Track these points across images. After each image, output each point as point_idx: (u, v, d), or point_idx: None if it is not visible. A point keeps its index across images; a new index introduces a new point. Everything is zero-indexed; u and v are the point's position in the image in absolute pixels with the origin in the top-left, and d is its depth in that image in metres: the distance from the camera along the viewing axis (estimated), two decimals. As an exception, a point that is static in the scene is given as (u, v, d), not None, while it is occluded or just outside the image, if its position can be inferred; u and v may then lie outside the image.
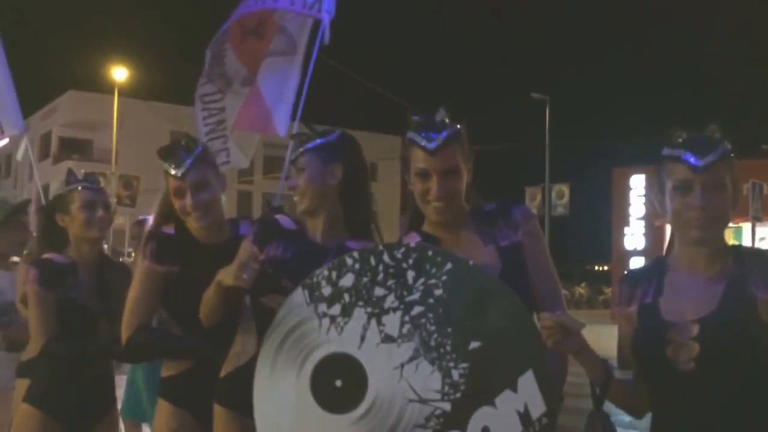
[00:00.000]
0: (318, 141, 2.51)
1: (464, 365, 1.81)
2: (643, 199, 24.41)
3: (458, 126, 2.15)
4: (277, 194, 3.42)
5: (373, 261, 1.92)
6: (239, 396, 2.22)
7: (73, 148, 38.12)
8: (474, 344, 1.81)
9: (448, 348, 1.82)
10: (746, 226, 17.61)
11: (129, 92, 32.51)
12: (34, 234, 3.44)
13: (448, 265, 1.87)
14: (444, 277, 1.86)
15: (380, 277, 1.90)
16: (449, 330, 1.83)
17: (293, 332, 1.96)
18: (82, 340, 2.86)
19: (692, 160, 1.90)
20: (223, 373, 2.46)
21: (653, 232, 23.47)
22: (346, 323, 1.91)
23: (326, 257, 2.37)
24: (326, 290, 1.94)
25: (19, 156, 5.41)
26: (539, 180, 26.65)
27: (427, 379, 1.82)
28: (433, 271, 1.87)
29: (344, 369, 1.89)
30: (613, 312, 2.11)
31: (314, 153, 2.50)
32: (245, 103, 4.00)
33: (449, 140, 2.10)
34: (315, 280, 1.97)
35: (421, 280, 1.87)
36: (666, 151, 1.97)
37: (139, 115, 34.53)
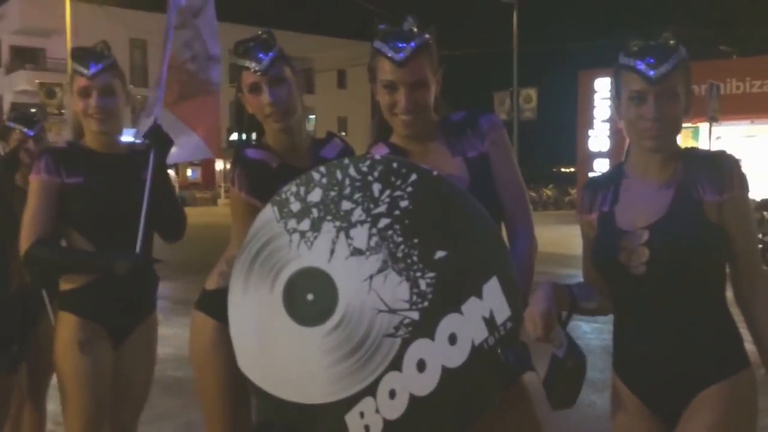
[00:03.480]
0: (279, 48, 2.41)
1: (431, 275, 1.84)
2: (608, 102, 24.49)
3: (427, 36, 2.07)
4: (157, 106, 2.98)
5: (339, 175, 1.91)
6: (224, 308, 2.25)
7: (25, 57, 36.78)
8: (440, 254, 1.84)
9: (415, 258, 1.84)
10: (704, 126, 17.81)
11: (83, -5, 31.23)
12: None
13: (413, 177, 1.87)
14: (409, 189, 1.86)
15: (347, 190, 1.90)
16: (416, 241, 1.85)
17: (265, 249, 1.97)
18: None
19: (646, 70, 1.92)
20: (212, 287, 2.46)
21: (617, 134, 23.68)
22: (315, 238, 1.92)
23: None
24: (295, 206, 1.94)
25: None
26: (507, 84, 26.49)
27: (396, 290, 1.85)
28: (399, 182, 1.87)
29: (315, 283, 1.91)
30: (578, 220, 2.16)
31: (286, 61, 2.41)
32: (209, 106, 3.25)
33: (418, 51, 2.04)
34: (284, 196, 1.96)
35: (387, 192, 1.87)
36: (622, 60, 1.98)
37: (94, 21, 33.27)
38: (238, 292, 2.02)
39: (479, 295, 1.82)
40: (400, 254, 1.85)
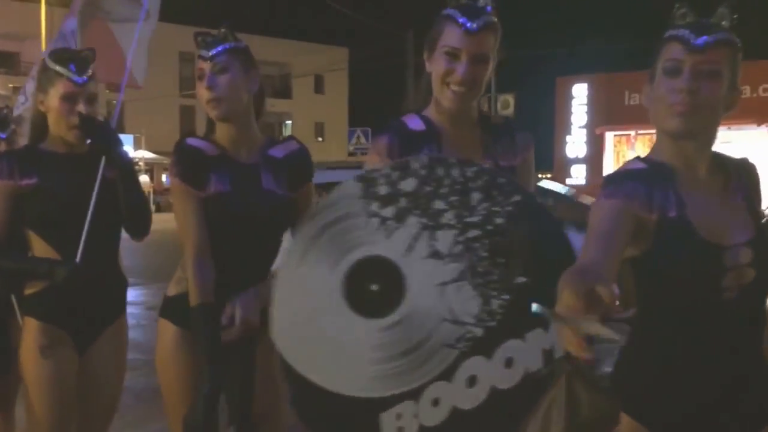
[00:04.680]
0: (237, 43, 2.40)
1: (506, 297, 1.80)
2: (585, 108, 24.74)
3: (498, 21, 2.11)
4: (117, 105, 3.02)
5: (440, 172, 1.83)
6: (185, 313, 2.26)
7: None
8: (520, 279, 1.80)
9: (495, 278, 1.80)
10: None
11: (57, 0, 30.82)
12: None
13: (516, 197, 1.82)
14: (509, 208, 1.81)
15: (444, 190, 1.81)
16: (500, 260, 1.80)
17: (338, 223, 1.85)
18: None
19: (688, 37, 1.69)
20: (173, 293, 2.44)
21: (594, 141, 23.92)
22: (396, 229, 1.82)
23: (258, 176, 2.37)
24: (383, 189, 1.83)
25: None
26: (485, 90, 26.59)
27: (466, 303, 1.80)
28: (500, 198, 1.81)
29: (383, 274, 1.82)
30: (598, 204, 1.72)
31: (239, 55, 2.39)
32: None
33: (489, 27, 2.08)
34: (373, 175, 1.86)
35: (485, 204, 1.81)
36: (665, 34, 1.75)
37: (68, 25, 32.79)
38: (293, 262, 1.89)
39: (546, 328, 1.79)
40: (480, 269, 1.80)
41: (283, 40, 41.59)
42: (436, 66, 2.09)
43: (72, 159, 2.60)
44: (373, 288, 1.82)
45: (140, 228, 2.71)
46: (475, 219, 1.81)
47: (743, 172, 1.81)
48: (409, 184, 1.82)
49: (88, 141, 2.62)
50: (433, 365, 1.81)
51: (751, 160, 1.87)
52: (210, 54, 2.35)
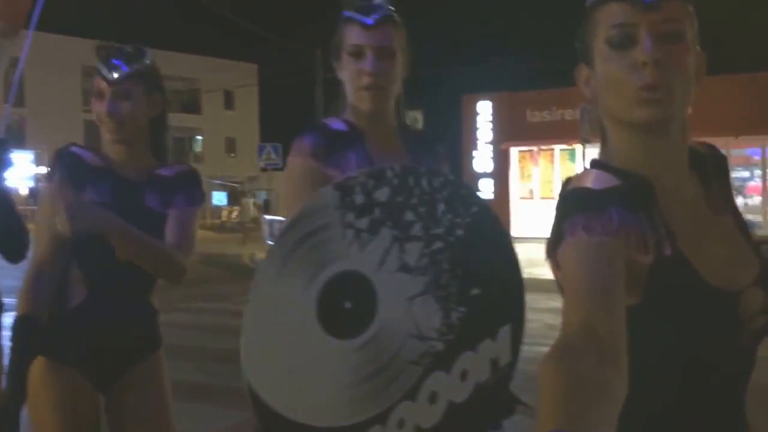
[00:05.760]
0: (141, 65, 2.38)
1: (462, 309, 1.79)
2: (491, 125, 25.60)
3: (398, 17, 2.19)
4: (4, 119, 2.84)
5: (411, 181, 1.74)
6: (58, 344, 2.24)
7: None
8: (475, 291, 1.80)
9: (454, 290, 1.78)
10: (578, 148, 18.62)
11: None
12: None
13: (474, 209, 1.81)
14: (468, 219, 1.79)
15: (414, 200, 1.73)
16: (459, 272, 1.79)
17: (314, 235, 1.63)
18: None
19: None
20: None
21: (500, 156, 24.69)
22: (369, 241, 1.68)
23: (141, 193, 2.41)
24: (359, 198, 1.67)
25: None
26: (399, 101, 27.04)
27: (430, 317, 1.76)
28: (461, 210, 1.79)
29: (357, 290, 1.67)
30: (577, 242, 1.26)
31: (143, 80, 2.39)
32: None
33: (388, 19, 2.16)
34: (350, 183, 1.68)
35: (449, 216, 1.77)
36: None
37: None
38: (269, 278, 1.61)
39: (494, 338, 1.83)
40: (443, 282, 1.77)
41: (191, 56, 41.18)
42: (345, 71, 2.13)
43: None
44: (346, 306, 1.66)
45: (16, 249, 2.54)
46: (439, 231, 1.76)
47: (720, 168, 1.44)
48: (383, 194, 1.70)
49: None
50: (400, 384, 1.73)
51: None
52: (112, 78, 2.31)
